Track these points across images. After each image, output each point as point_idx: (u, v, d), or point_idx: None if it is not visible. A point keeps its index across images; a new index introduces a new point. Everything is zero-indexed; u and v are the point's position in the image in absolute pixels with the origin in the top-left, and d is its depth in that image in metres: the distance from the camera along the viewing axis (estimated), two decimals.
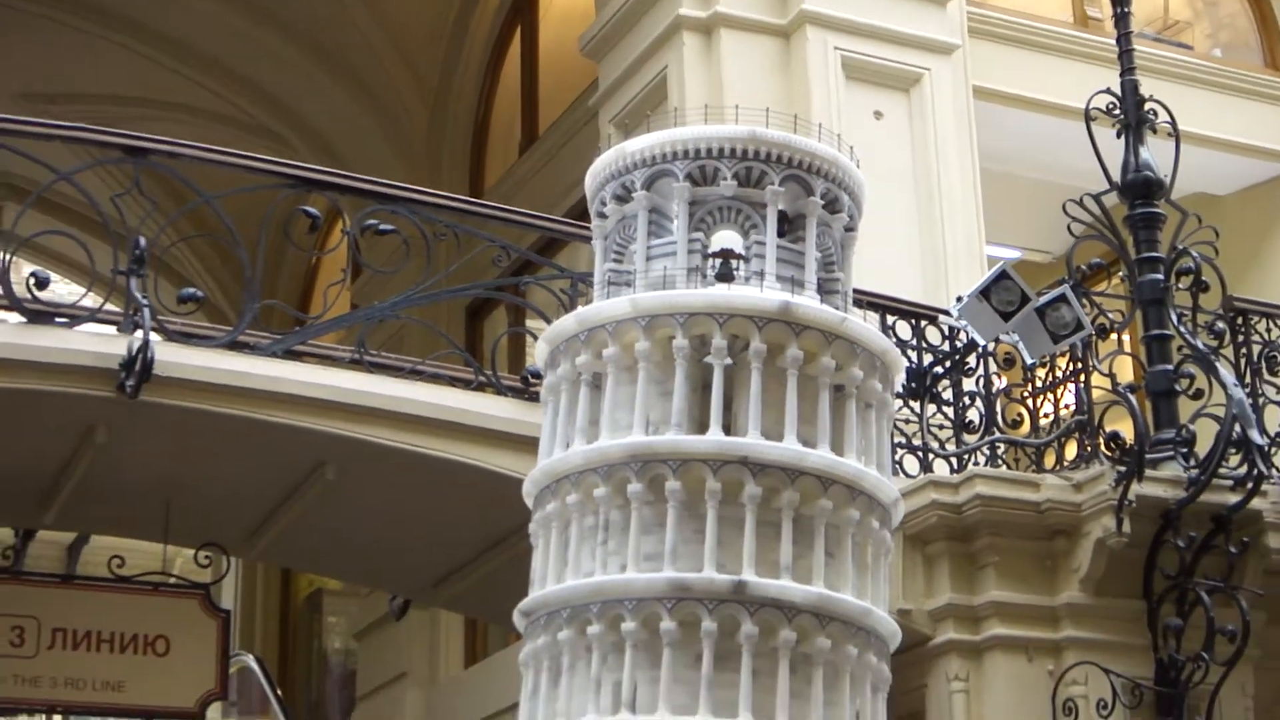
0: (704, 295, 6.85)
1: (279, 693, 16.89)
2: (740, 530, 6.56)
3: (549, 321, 8.28)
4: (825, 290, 7.16)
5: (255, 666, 17.14)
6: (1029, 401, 10.68)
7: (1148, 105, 10.87)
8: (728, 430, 6.73)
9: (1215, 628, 9.71)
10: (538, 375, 7.37)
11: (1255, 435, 9.86)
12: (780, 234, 7.10)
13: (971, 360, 10.66)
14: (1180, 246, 10.59)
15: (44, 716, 16.64)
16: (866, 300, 9.68)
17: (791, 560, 6.55)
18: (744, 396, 6.75)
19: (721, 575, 6.48)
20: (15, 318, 9.58)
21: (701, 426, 6.73)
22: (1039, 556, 10.19)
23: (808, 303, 6.91)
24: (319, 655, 20.04)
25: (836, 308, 7.09)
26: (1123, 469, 9.82)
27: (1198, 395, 10.32)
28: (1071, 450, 10.45)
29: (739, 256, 6.96)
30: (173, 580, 11.91)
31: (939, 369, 10.62)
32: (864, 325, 7.07)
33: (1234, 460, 9.95)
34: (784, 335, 6.77)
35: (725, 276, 6.93)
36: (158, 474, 10.88)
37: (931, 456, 10.45)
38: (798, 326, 6.79)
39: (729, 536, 6.56)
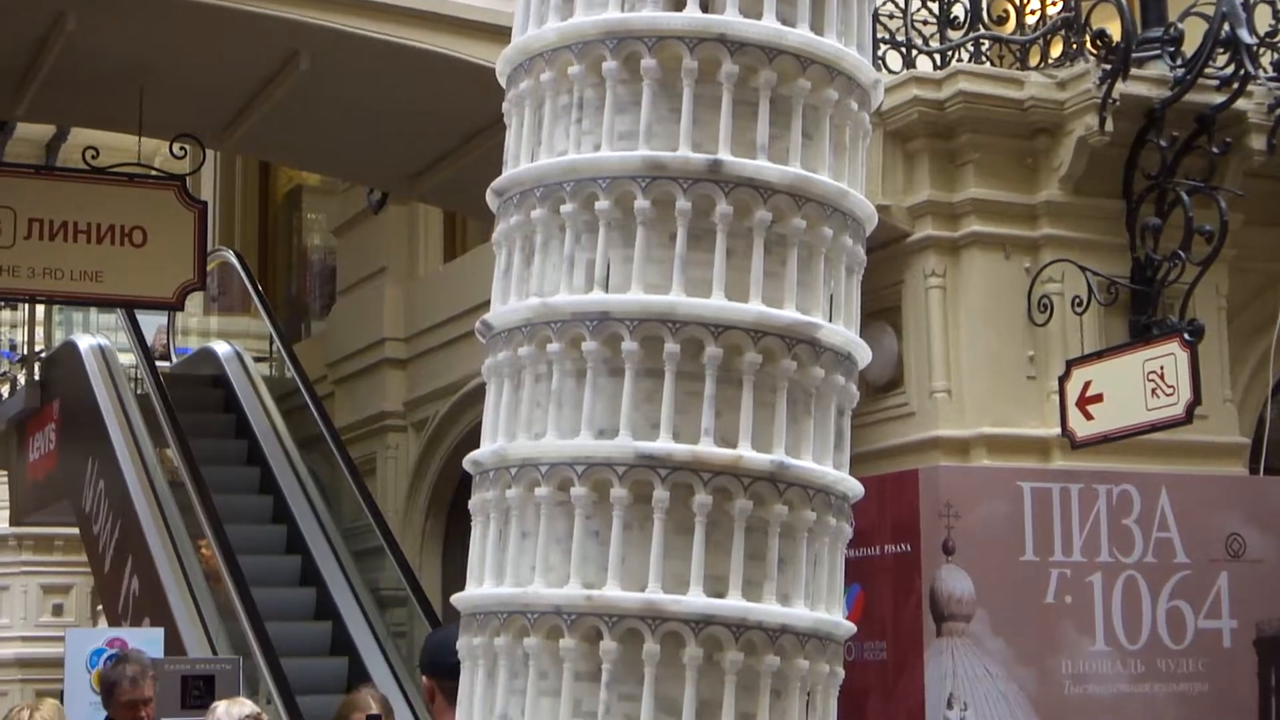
0: None
1: (259, 287, 16.94)
2: (716, 109, 6.43)
3: None
4: None
5: (235, 261, 17.17)
6: None
7: None
8: (705, 7, 6.57)
9: (1193, 227, 9.71)
10: None
11: (1244, 34, 9.74)
12: None
13: None
14: None
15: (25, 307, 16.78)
16: None
17: (768, 140, 6.42)
18: None
19: (697, 154, 6.36)
20: None
21: (678, 4, 6.58)
22: (1020, 154, 10.14)
23: None
24: (299, 251, 20.04)
25: None
26: (1108, 67, 9.72)
27: None
28: (1057, 48, 10.31)
29: None
30: (152, 172, 11.82)
31: None
32: None
33: (1221, 60, 9.85)
34: None
35: None
36: (130, 63, 10.74)
37: (915, 52, 10.30)
38: None
39: (705, 116, 6.43)
